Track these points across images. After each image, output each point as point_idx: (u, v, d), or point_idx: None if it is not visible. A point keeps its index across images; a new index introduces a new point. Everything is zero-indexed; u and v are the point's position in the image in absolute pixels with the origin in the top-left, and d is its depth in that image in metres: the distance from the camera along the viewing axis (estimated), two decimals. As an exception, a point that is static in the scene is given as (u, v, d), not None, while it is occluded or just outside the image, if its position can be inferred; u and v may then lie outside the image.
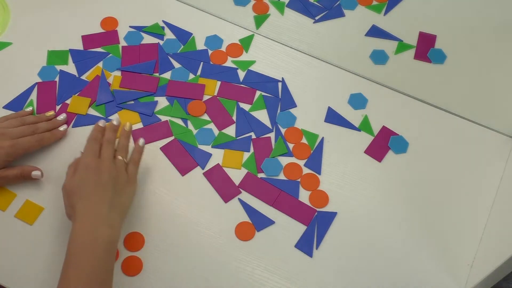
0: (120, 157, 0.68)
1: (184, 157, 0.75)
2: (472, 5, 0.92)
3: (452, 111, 0.82)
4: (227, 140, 0.77)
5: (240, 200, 0.72)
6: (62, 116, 0.75)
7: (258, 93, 0.81)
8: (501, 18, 0.91)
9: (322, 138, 0.78)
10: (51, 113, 0.76)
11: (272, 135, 0.78)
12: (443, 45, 0.88)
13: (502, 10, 0.92)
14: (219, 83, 0.82)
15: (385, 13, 0.91)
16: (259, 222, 0.71)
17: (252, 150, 0.76)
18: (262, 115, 0.80)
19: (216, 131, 0.78)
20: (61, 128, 0.75)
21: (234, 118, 0.79)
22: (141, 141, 0.72)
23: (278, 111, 0.80)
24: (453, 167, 0.77)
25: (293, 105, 0.80)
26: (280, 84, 0.82)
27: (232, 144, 0.76)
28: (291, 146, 0.77)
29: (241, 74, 0.83)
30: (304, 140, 0.78)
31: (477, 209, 0.74)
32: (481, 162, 0.78)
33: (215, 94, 0.81)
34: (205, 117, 0.79)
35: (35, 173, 0.70)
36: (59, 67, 0.82)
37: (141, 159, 0.71)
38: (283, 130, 0.78)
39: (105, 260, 0.59)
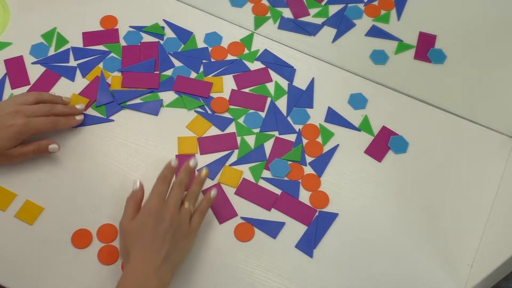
0: (187, 206, 0.64)
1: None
2: (472, 5, 0.92)
3: (452, 111, 0.82)
4: (247, 150, 0.77)
5: (243, 218, 0.71)
6: (80, 106, 0.74)
7: (273, 76, 0.82)
8: (501, 18, 0.91)
9: (337, 144, 0.78)
10: (68, 98, 0.75)
11: (293, 138, 0.78)
12: (443, 45, 0.88)
13: (502, 10, 0.92)
14: (226, 78, 0.82)
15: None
16: (272, 229, 0.71)
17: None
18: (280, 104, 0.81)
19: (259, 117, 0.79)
20: (77, 118, 0.74)
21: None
22: (213, 192, 0.68)
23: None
24: (453, 167, 0.77)
25: (310, 105, 0.81)
26: (295, 72, 0.83)
27: (250, 157, 0.76)
28: (305, 142, 0.77)
29: (249, 64, 0.84)
30: (319, 139, 0.78)
31: (477, 209, 0.74)
32: (481, 162, 0.78)
33: (225, 90, 0.81)
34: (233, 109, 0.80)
35: (52, 146, 0.70)
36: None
37: (208, 208, 0.68)
38: (297, 127, 0.79)
39: None
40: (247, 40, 0.86)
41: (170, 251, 0.61)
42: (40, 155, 0.71)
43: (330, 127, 0.79)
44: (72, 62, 0.82)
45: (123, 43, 0.85)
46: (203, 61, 0.84)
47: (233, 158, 0.76)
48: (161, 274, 0.59)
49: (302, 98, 0.81)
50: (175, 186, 0.66)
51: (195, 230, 0.65)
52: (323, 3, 0.91)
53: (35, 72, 0.81)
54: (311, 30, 0.88)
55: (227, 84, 0.82)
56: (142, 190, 0.66)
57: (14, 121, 0.66)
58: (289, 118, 0.79)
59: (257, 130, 0.78)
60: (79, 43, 0.84)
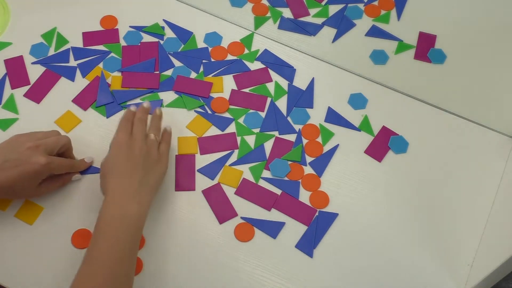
0: (152, 136, 0.69)
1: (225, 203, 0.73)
2: (472, 5, 0.92)
3: (452, 111, 0.82)
4: (247, 150, 0.77)
5: (243, 218, 0.72)
6: (88, 159, 0.73)
7: (273, 76, 0.82)
8: (501, 18, 0.91)
9: (337, 144, 0.78)
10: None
11: (293, 138, 0.78)
12: (443, 45, 0.88)
13: (502, 10, 0.92)
14: (226, 78, 0.82)
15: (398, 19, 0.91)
16: (272, 229, 0.71)
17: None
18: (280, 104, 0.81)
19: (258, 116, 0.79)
20: (88, 161, 0.73)
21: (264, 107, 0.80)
22: (168, 127, 0.74)
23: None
24: (453, 167, 0.77)
25: (310, 105, 0.81)
26: (295, 72, 0.83)
27: (250, 157, 0.76)
28: (305, 142, 0.77)
29: (249, 64, 0.84)
30: (319, 139, 0.78)
31: (477, 209, 0.74)
32: (481, 162, 0.78)
33: (224, 91, 0.81)
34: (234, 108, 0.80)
35: (76, 176, 0.72)
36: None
37: (171, 139, 0.73)
38: (297, 127, 0.79)
39: (132, 234, 0.61)
40: (247, 40, 0.86)
41: (144, 176, 0.65)
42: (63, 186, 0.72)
43: (330, 127, 0.79)
44: (72, 62, 0.82)
45: (123, 43, 0.85)
46: (203, 61, 0.84)
47: (233, 158, 0.76)
48: (139, 197, 0.63)
49: (302, 98, 0.81)
50: (137, 121, 0.70)
51: (165, 155, 0.70)
52: (323, 3, 0.91)
53: (35, 72, 0.81)
54: (311, 30, 0.88)
55: (227, 84, 0.82)
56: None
57: (36, 159, 0.64)
58: (289, 118, 0.79)
59: (257, 130, 0.78)
60: (79, 43, 0.84)
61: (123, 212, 0.61)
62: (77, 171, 0.72)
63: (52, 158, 0.66)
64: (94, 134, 0.76)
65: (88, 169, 0.73)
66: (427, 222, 0.73)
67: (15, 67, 0.81)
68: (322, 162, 0.76)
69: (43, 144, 0.66)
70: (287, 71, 0.84)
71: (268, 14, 0.90)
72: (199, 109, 0.79)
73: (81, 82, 0.81)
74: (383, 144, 0.78)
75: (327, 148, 0.77)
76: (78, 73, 0.81)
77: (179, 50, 0.85)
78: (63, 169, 0.69)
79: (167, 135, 0.73)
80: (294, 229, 0.71)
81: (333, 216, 0.72)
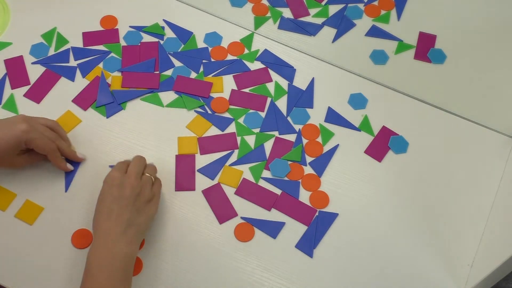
0: (147, 174, 0.68)
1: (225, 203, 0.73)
2: (472, 5, 0.92)
3: (452, 111, 0.82)
4: (247, 150, 0.77)
5: (243, 218, 0.72)
6: (81, 155, 0.73)
7: (273, 76, 0.82)
8: (501, 18, 0.91)
9: (337, 144, 0.78)
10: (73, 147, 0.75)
11: (293, 138, 0.78)
12: (443, 45, 0.88)
13: (502, 10, 0.92)
14: (226, 78, 0.82)
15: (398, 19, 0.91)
16: (272, 229, 0.71)
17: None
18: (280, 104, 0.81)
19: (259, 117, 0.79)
20: (79, 156, 0.73)
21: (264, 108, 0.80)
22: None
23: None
24: (453, 167, 0.77)
25: (310, 105, 0.81)
26: (295, 72, 0.83)
27: (250, 157, 0.76)
28: (305, 142, 0.77)
29: (249, 64, 0.84)
30: (319, 139, 0.78)
31: (477, 209, 0.74)
32: (481, 162, 0.78)
33: (224, 91, 0.81)
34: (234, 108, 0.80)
35: (69, 166, 0.72)
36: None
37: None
38: (297, 127, 0.79)
39: (121, 275, 0.60)
40: (247, 40, 0.86)
41: (133, 216, 0.63)
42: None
43: (330, 127, 0.79)
44: (72, 62, 0.82)
45: (123, 43, 0.85)
46: (203, 61, 0.84)
47: (233, 158, 0.76)
48: (128, 238, 0.62)
49: (302, 98, 0.81)
50: (135, 159, 0.69)
51: (157, 196, 0.68)
52: (323, 3, 0.91)
53: (35, 72, 0.81)
54: (311, 30, 0.88)
55: (227, 84, 0.82)
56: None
57: (19, 125, 0.66)
58: (289, 118, 0.79)
59: (257, 130, 0.78)
60: (79, 43, 0.84)
61: (111, 254, 0.60)
62: (53, 163, 0.70)
63: (34, 128, 0.67)
64: (94, 134, 0.76)
65: (77, 163, 0.73)
66: (427, 222, 0.73)
67: (15, 67, 0.81)
68: (322, 162, 0.76)
69: (33, 119, 0.68)
70: (287, 71, 0.84)
71: (268, 14, 0.90)
72: (199, 109, 0.79)
73: (81, 82, 0.81)
74: (383, 144, 0.78)
75: (327, 148, 0.77)
76: (78, 73, 0.81)
77: (179, 50, 0.85)
78: (42, 147, 0.68)
79: (159, 179, 0.70)
80: (294, 229, 0.71)
81: (333, 216, 0.72)
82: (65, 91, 0.79)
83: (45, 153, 0.69)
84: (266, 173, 0.75)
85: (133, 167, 0.67)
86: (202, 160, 0.75)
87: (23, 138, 0.66)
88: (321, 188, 0.74)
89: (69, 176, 0.72)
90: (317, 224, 0.72)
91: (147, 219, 0.65)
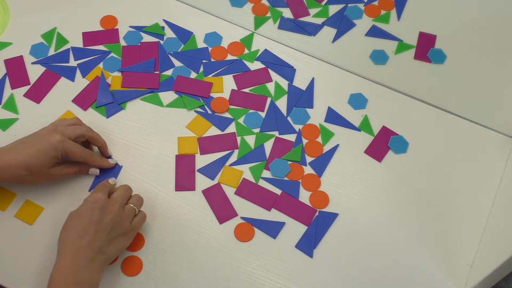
0: (131, 205, 0.66)
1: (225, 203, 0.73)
2: (472, 5, 0.92)
3: (452, 111, 0.82)
4: (247, 150, 0.76)
5: (243, 218, 0.72)
6: (113, 161, 0.73)
7: (273, 76, 0.82)
8: (501, 18, 0.91)
9: (337, 144, 0.78)
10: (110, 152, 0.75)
11: (293, 138, 0.78)
12: (443, 45, 0.88)
13: (502, 10, 0.92)
14: (226, 78, 0.82)
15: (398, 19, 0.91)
16: (272, 229, 0.71)
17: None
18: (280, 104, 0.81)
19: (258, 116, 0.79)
20: (111, 161, 0.73)
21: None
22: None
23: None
24: (453, 167, 0.77)
25: (311, 105, 0.81)
26: (295, 72, 0.83)
27: (250, 157, 0.76)
28: (305, 142, 0.77)
29: (249, 64, 0.84)
30: (319, 139, 0.78)
31: (477, 209, 0.74)
32: (481, 162, 0.78)
33: (224, 91, 0.81)
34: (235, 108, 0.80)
35: (93, 170, 0.72)
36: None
37: (146, 219, 0.69)
38: (297, 127, 0.79)
39: None
40: (247, 40, 0.86)
41: (106, 244, 0.61)
42: (78, 175, 0.72)
43: (330, 127, 0.79)
44: (72, 62, 0.82)
45: (123, 43, 0.85)
46: (203, 61, 0.84)
47: (233, 158, 0.76)
48: (95, 265, 0.60)
49: (302, 98, 0.81)
50: (121, 187, 0.68)
51: (135, 230, 0.66)
52: (323, 3, 0.91)
53: (35, 72, 0.81)
54: (311, 30, 0.88)
55: (227, 84, 0.82)
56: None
57: (51, 137, 0.66)
58: (289, 118, 0.79)
59: (257, 130, 0.78)
60: (79, 43, 0.84)
61: (76, 276, 0.58)
62: (94, 164, 0.71)
63: (67, 139, 0.67)
64: (94, 134, 0.76)
65: (111, 168, 0.73)
66: (427, 222, 0.73)
67: (15, 67, 0.81)
68: (322, 162, 0.76)
69: (60, 127, 0.68)
70: (287, 71, 0.84)
71: (268, 14, 0.90)
72: (199, 109, 0.79)
73: (81, 82, 0.81)
74: (383, 144, 0.78)
75: (327, 148, 0.77)
76: (78, 73, 0.81)
77: (179, 50, 0.85)
78: (78, 153, 0.68)
79: (143, 213, 0.68)
80: (294, 229, 0.71)
81: (333, 216, 0.72)
82: (65, 91, 0.79)
83: (82, 160, 0.70)
84: (266, 173, 0.75)
85: (119, 194, 0.66)
86: (202, 160, 0.75)
87: (59, 148, 0.66)
88: (321, 188, 0.74)
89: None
90: (317, 224, 0.72)
91: (117, 251, 0.64)
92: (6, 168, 0.64)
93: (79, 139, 0.70)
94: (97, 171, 0.72)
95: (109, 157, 0.74)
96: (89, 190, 0.72)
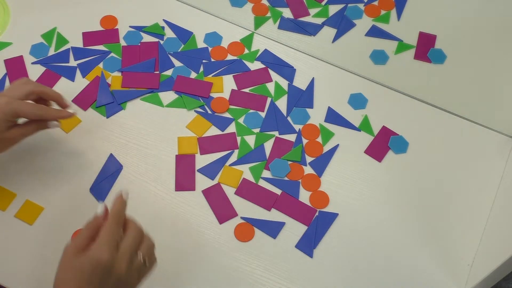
0: (141, 258, 0.55)
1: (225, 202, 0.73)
2: (472, 5, 0.92)
3: (452, 111, 0.82)
4: (247, 150, 0.76)
5: (243, 218, 0.72)
6: (71, 110, 0.68)
7: (273, 76, 0.82)
8: (501, 18, 0.91)
9: (337, 144, 0.78)
10: (69, 102, 0.69)
11: (293, 138, 0.78)
12: (443, 45, 0.88)
13: (502, 10, 0.92)
14: (226, 78, 0.82)
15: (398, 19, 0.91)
16: (272, 229, 0.71)
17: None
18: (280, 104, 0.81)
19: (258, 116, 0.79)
20: (70, 110, 0.67)
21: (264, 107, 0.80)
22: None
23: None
24: (453, 167, 0.77)
25: (311, 105, 0.81)
26: (295, 72, 0.83)
27: (250, 157, 0.76)
28: (305, 142, 0.77)
29: (249, 64, 0.84)
30: (319, 139, 0.78)
31: (477, 209, 0.74)
32: (481, 162, 0.78)
33: (224, 91, 0.81)
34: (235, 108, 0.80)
35: (53, 122, 0.67)
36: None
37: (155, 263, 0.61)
38: (297, 127, 0.79)
39: None
40: (247, 40, 0.86)
41: None
42: (39, 131, 0.67)
43: (330, 127, 0.79)
44: (72, 62, 0.82)
45: (123, 43, 0.85)
46: (203, 61, 0.84)
47: (233, 158, 0.76)
48: None
49: (302, 98, 0.81)
50: (133, 232, 0.56)
51: (141, 281, 0.57)
52: (323, 3, 0.91)
53: (35, 72, 0.81)
54: (311, 30, 0.88)
55: (227, 84, 0.82)
56: (105, 218, 0.56)
57: None
58: (289, 118, 0.79)
59: (257, 130, 0.78)
60: (79, 43, 0.84)
61: None
62: (50, 117, 0.66)
63: (14, 99, 0.63)
64: (94, 134, 0.76)
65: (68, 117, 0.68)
66: (427, 222, 0.73)
67: (15, 67, 0.81)
68: (322, 162, 0.76)
69: (7, 90, 0.64)
70: (287, 71, 0.84)
71: (268, 14, 0.90)
72: (199, 109, 0.79)
73: (81, 82, 0.81)
74: (383, 144, 0.78)
75: (327, 148, 0.77)
76: (78, 73, 0.81)
77: (179, 50, 0.85)
78: (30, 111, 0.64)
79: (154, 260, 0.59)
80: (294, 229, 0.71)
81: (333, 216, 0.72)
82: (65, 91, 0.79)
83: (36, 117, 0.65)
84: (266, 173, 0.75)
85: (128, 248, 0.54)
86: (202, 160, 0.75)
87: (6, 110, 0.62)
88: (321, 188, 0.74)
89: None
90: (317, 224, 0.72)
91: None
92: None
93: (30, 97, 0.65)
94: (56, 124, 0.67)
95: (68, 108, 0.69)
96: (90, 190, 0.72)
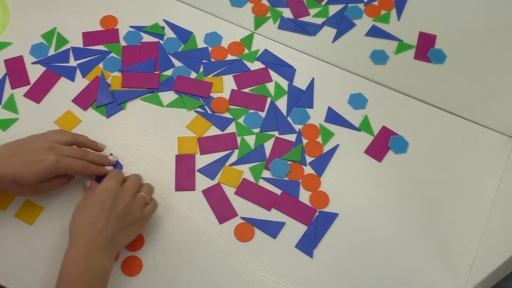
0: (143, 193, 0.66)
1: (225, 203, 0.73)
2: (472, 5, 0.92)
3: (452, 111, 0.82)
4: (247, 150, 0.76)
5: (243, 218, 0.72)
6: (113, 158, 0.72)
7: (273, 76, 0.82)
8: (501, 18, 0.91)
9: (337, 144, 0.78)
10: (103, 146, 0.73)
11: (293, 138, 0.78)
12: (443, 45, 0.88)
13: (502, 10, 0.92)
14: (226, 78, 0.82)
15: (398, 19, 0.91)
16: (272, 229, 0.71)
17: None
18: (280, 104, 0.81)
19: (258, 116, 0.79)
20: (108, 168, 0.71)
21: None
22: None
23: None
24: (453, 167, 0.77)
25: (311, 105, 0.81)
26: (295, 72, 0.83)
27: (250, 157, 0.76)
28: (305, 142, 0.77)
29: (249, 64, 0.84)
30: (319, 139, 0.78)
31: (477, 209, 0.74)
32: (481, 162, 0.78)
33: (223, 91, 0.81)
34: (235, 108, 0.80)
35: (87, 183, 0.70)
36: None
37: (157, 207, 0.69)
38: (297, 127, 0.79)
39: (98, 287, 0.59)
40: (247, 40, 0.86)
41: (117, 232, 0.62)
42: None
43: (330, 127, 0.79)
44: (72, 62, 0.82)
45: (123, 43, 0.85)
46: (203, 61, 0.84)
47: (233, 158, 0.76)
48: (108, 251, 0.61)
49: (302, 98, 0.81)
50: (133, 176, 0.68)
51: (146, 218, 0.67)
52: (323, 3, 0.91)
53: (35, 72, 0.81)
54: (311, 30, 0.88)
55: (227, 84, 0.82)
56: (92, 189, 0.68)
57: (46, 157, 0.64)
58: (289, 118, 0.79)
59: (257, 130, 0.78)
60: (79, 43, 0.84)
61: (89, 264, 0.58)
62: (92, 174, 0.69)
63: (62, 155, 0.65)
64: (94, 134, 0.76)
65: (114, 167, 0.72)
66: (427, 222, 0.73)
67: (15, 67, 0.81)
68: (322, 162, 0.76)
69: (56, 148, 0.65)
70: (287, 71, 0.84)
71: (268, 14, 0.90)
72: (199, 109, 0.79)
73: (81, 82, 0.81)
74: (383, 144, 0.78)
75: (327, 148, 0.77)
76: (78, 73, 0.81)
77: (179, 50, 0.85)
78: (75, 169, 0.66)
79: (155, 201, 0.69)
80: (294, 229, 0.71)
81: (333, 216, 0.72)
82: (65, 91, 0.79)
83: (79, 174, 0.69)
84: (266, 173, 0.75)
85: (131, 183, 0.66)
86: (202, 160, 0.75)
87: (53, 168, 0.64)
88: (321, 188, 0.74)
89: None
90: (317, 224, 0.72)
91: (128, 239, 0.65)
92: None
93: (74, 153, 0.68)
94: (88, 183, 0.70)
95: (111, 154, 0.74)
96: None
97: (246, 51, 0.85)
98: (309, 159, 0.76)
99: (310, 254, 0.70)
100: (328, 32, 0.88)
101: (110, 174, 0.67)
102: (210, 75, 0.82)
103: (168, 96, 0.80)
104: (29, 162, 0.63)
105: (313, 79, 0.83)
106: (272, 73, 0.83)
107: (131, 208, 0.64)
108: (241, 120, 0.79)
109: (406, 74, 0.85)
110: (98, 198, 0.63)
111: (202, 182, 0.74)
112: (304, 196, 0.74)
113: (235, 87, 0.81)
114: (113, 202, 0.62)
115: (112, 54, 0.83)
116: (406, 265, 0.70)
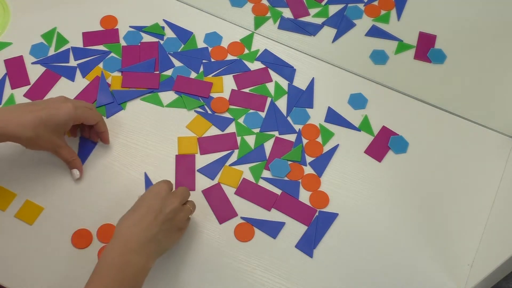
0: (189, 206, 0.67)
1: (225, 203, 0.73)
2: (472, 5, 0.92)
3: (452, 111, 0.82)
4: (247, 150, 0.76)
5: (243, 218, 0.72)
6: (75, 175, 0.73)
7: (273, 76, 0.83)
8: (501, 18, 0.91)
9: (337, 144, 0.78)
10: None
11: (293, 138, 0.78)
12: (443, 45, 0.88)
13: (502, 10, 0.92)
14: (226, 78, 0.82)
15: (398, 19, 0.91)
16: (272, 229, 0.71)
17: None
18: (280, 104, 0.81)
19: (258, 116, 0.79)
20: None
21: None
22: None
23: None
24: (453, 167, 0.77)
25: (310, 105, 0.81)
26: (295, 72, 0.83)
27: (250, 157, 0.76)
28: (305, 142, 0.77)
29: (249, 64, 0.84)
30: (319, 139, 0.78)
31: (477, 209, 0.74)
32: (481, 162, 0.78)
33: (223, 91, 0.81)
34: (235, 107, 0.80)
35: (75, 171, 0.72)
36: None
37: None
38: (297, 127, 0.79)
39: (131, 285, 0.58)
40: (247, 40, 0.86)
41: (161, 235, 0.61)
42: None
43: (330, 127, 0.79)
44: (72, 62, 0.82)
45: (123, 43, 0.85)
46: (203, 61, 0.84)
47: (233, 158, 0.76)
48: (147, 251, 0.60)
49: (302, 98, 0.81)
50: (183, 187, 0.67)
51: (185, 228, 0.67)
52: (323, 3, 0.91)
53: (35, 72, 0.81)
54: (311, 30, 0.88)
55: (227, 84, 0.82)
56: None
57: (65, 104, 0.68)
58: (289, 118, 0.79)
59: (257, 130, 0.78)
60: (79, 43, 0.84)
61: (127, 259, 0.58)
62: (102, 128, 0.73)
63: (78, 105, 0.69)
64: (94, 134, 0.76)
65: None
66: (427, 222, 0.73)
67: (15, 67, 0.81)
68: (322, 162, 0.76)
69: (72, 100, 0.70)
70: (287, 71, 0.84)
71: (268, 14, 0.90)
72: (199, 109, 0.79)
73: (81, 82, 0.81)
74: (383, 144, 0.78)
75: (327, 148, 0.77)
76: (78, 73, 0.81)
77: (179, 50, 0.85)
78: (92, 117, 0.71)
79: (190, 219, 0.70)
80: (294, 229, 0.71)
81: (333, 216, 0.72)
82: (65, 91, 0.79)
83: (93, 123, 0.72)
84: (266, 173, 0.75)
85: (181, 191, 0.66)
86: (202, 160, 0.75)
87: (72, 114, 0.68)
88: (321, 188, 0.74)
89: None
90: (317, 224, 0.72)
91: (169, 244, 0.64)
92: (15, 124, 0.64)
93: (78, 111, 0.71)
94: (77, 175, 0.71)
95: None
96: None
97: (246, 51, 0.85)
98: (309, 159, 0.76)
99: (310, 254, 0.70)
100: (328, 32, 0.88)
101: (160, 182, 0.66)
102: (210, 75, 0.82)
103: (168, 96, 0.80)
104: (54, 108, 0.67)
105: (313, 79, 0.83)
106: (272, 73, 0.83)
107: (177, 214, 0.64)
108: (241, 120, 0.79)
109: (406, 74, 0.85)
110: (147, 197, 0.63)
111: (202, 182, 0.74)
112: (304, 196, 0.74)
113: (235, 87, 0.81)
114: (162, 204, 0.62)
115: (112, 54, 0.83)
116: (406, 265, 0.70)
